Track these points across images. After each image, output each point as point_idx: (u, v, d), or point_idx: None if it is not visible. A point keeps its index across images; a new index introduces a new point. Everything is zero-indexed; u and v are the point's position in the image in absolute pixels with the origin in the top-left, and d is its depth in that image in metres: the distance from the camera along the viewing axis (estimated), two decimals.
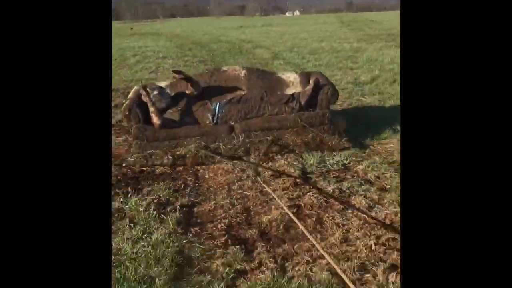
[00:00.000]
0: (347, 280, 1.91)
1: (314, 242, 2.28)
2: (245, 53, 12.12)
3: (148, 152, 3.82)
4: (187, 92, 4.24)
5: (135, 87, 4.24)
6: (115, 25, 28.89)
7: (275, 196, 2.89)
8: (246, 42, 15.03)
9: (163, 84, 4.37)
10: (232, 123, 3.98)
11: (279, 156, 3.73)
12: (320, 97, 4.00)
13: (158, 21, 41.65)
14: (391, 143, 3.98)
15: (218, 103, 4.10)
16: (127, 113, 3.91)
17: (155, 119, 3.93)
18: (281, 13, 64.64)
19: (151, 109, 3.94)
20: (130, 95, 4.15)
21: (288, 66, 9.18)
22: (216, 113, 4.04)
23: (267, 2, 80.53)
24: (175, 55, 12.18)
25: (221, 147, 3.83)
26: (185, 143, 3.85)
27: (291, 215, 2.59)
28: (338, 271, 1.99)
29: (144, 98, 4.00)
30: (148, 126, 3.92)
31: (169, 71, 8.89)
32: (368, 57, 9.72)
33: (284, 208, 2.70)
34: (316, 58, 10.20)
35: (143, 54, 12.21)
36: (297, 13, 60.22)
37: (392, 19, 23.53)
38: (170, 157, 3.73)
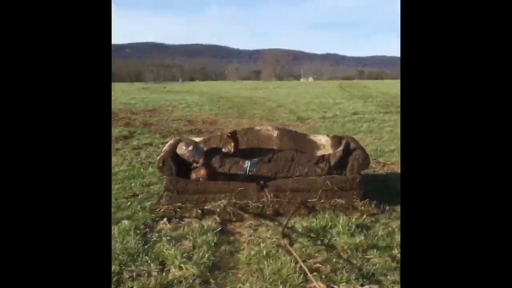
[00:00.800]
0: None
1: None
2: (258, 104, 17.27)
3: (177, 204, 3.88)
4: (223, 150, 4.36)
5: (171, 141, 4.37)
6: (144, 85, 36.11)
7: (300, 261, 2.83)
8: (260, 98, 20.11)
9: (197, 139, 4.49)
10: (262, 182, 4.02)
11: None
12: (351, 162, 4.01)
13: (179, 83, 45.06)
14: None
15: (249, 161, 4.18)
16: (160, 164, 4.02)
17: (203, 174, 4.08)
18: (295, 79, 66.16)
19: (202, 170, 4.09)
20: (166, 147, 4.29)
21: (286, 110, 14.55)
22: (247, 171, 4.10)
23: (282, 68, 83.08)
24: (210, 104, 17.05)
25: (250, 204, 3.85)
26: (215, 198, 3.91)
27: (315, 283, 2.52)
28: None
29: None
30: (180, 179, 4.00)
31: (207, 112, 13.83)
32: (339, 107, 15.05)
33: (309, 275, 2.63)
34: (306, 107, 15.54)
35: (185, 103, 17.03)
36: (310, 79, 62.53)
37: (382, 87, 29.24)
38: (199, 210, 3.77)
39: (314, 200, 3.87)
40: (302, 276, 2.65)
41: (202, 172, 4.06)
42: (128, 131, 9.25)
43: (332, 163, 4.02)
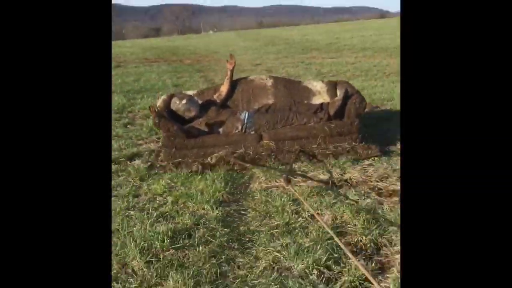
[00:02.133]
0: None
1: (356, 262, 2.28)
2: (185, 50, 21.53)
3: (177, 160, 3.85)
4: (214, 96, 4.29)
5: (163, 96, 4.28)
6: None
7: (306, 205, 2.86)
8: (182, 47, 24.05)
9: (191, 92, 4.40)
10: (261, 132, 4.00)
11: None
12: (348, 107, 4.00)
13: None
14: None
15: (247, 112, 4.13)
16: (156, 121, 3.95)
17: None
18: (195, 33, 65.12)
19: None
20: (159, 103, 4.20)
21: (203, 51, 19.54)
22: (245, 122, 4.06)
23: (181, 23, 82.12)
24: (150, 52, 20.24)
25: (250, 155, 3.85)
26: (214, 151, 3.88)
27: (325, 226, 2.56)
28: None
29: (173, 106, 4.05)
30: (178, 134, 3.95)
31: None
32: (227, 46, 21.29)
33: (318, 219, 2.66)
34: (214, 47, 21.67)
35: (136, 53, 19.88)
36: (210, 32, 63.34)
37: (271, 32, 34.53)
38: (199, 165, 3.75)
39: (313, 146, 3.89)
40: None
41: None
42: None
43: (331, 113, 4.00)
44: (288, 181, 3.33)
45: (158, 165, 3.80)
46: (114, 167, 3.92)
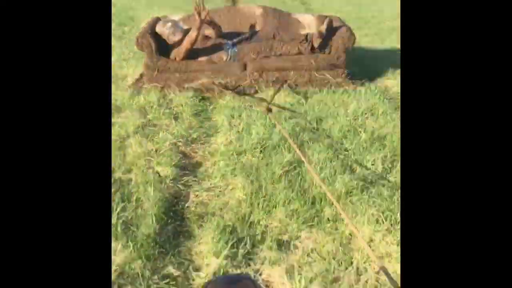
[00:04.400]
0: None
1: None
2: None
3: (160, 85, 3.78)
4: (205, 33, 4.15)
5: (148, 19, 4.16)
6: None
7: (286, 135, 2.83)
8: None
9: (176, 17, 4.27)
10: (245, 61, 3.93)
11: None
12: (335, 40, 3.92)
13: None
14: None
15: (230, 41, 4.03)
16: (139, 40, 3.85)
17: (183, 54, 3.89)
18: None
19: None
20: (144, 24, 4.10)
21: None
22: (229, 52, 3.97)
23: None
24: None
25: (232, 83, 3.80)
26: (197, 77, 3.83)
27: (301, 156, 2.53)
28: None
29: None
30: (161, 57, 3.87)
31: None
32: None
33: (296, 149, 2.62)
34: None
35: None
36: None
37: None
38: (180, 90, 3.70)
39: (298, 78, 3.84)
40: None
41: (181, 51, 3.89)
42: None
43: (315, 42, 3.91)
44: (269, 110, 3.30)
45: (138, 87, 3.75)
46: None
